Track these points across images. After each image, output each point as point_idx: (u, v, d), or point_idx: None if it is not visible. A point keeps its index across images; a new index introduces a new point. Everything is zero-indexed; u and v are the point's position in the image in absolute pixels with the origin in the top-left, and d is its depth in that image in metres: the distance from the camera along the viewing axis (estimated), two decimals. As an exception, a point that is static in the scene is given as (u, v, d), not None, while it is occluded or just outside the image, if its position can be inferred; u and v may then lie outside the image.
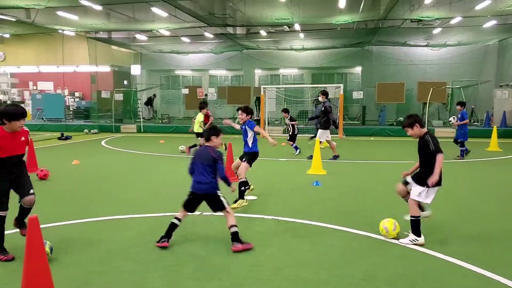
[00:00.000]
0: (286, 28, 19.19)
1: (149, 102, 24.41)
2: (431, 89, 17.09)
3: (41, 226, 3.01)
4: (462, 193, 7.10)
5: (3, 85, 26.28)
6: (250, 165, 6.33)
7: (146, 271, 3.88)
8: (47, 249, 3.99)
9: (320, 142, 10.29)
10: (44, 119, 22.35)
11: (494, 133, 13.14)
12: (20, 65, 25.20)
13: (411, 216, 4.59)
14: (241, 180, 6.14)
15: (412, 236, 4.58)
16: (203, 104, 11.48)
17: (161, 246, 4.42)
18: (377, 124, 19.74)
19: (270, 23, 18.26)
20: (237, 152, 7.26)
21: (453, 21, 16.84)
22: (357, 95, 19.16)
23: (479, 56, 21.76)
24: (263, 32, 20.33)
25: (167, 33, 20.88)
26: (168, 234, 4.49)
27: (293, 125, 12.29)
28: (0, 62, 25.20)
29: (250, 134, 6.31)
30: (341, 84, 18.17)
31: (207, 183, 4.43)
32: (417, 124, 4.60)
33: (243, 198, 6.19)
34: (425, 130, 4.66)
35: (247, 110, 6.44)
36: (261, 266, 4.02)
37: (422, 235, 4.56)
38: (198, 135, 10.90)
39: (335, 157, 10.80)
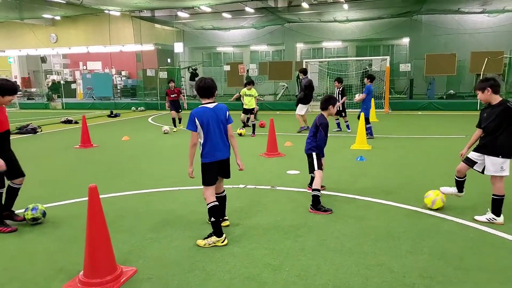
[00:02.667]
0: (329, -1, 18.56)
1: (193, 77, 24.62)
2: (486, 59, 15.99)
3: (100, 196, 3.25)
4: None
5: (56, 65, 27.73)
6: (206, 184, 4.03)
7: (196, 238, 4.07)
8: (39, 214, 4.49)
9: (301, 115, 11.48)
10: (94, 98, 23.45)
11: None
12: (71, 46, 26.38)
13: (495, 195, 4.27)
14: (208, 206, 3.98)
15: (490, 215, 4.33)
16: (251, 80, 11.54)
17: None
18: (425, 98, 18.88)
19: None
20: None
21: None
22: (404, 67, 18.34)
23: (541, 22, 19.95)
24: (305, 4, 19.81)
25: (209, 10, 20.92)
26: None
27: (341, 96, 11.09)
28: (52, 44, 26.49)
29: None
30: (387, 57, 17.45)
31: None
32: (488, 89, 4.22)
33: (218, 236, 3.93)
34: (498, 97, 4.25)
35: None
36: (305, 236, 4.10)
37: (501, 215, 4.31)
38: (247, 111, 11.11)
39: (302, 128, 11.47)
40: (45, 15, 21.96)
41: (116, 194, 5.72)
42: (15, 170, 4.41)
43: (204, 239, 3.95)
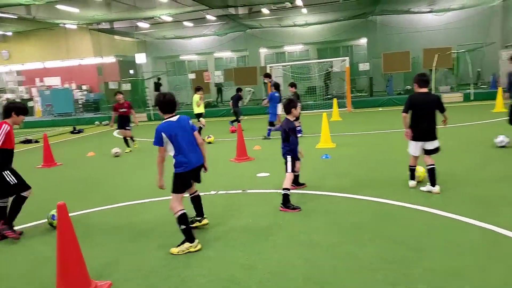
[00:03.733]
0: (288, 4, 19.02)
1: (157, 87, 24.34)
2: (436, 55, 16.90)
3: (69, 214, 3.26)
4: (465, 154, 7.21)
5: (10, 83, 26.62)
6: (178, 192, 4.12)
7: (170, 246, 4.13)
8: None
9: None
10: (55, 115, 22.74)
11: (499, 94, 13.05)
12: (25, 62, 25.48)
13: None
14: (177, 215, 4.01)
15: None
16: (199, 87, 11.83)
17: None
18: (385, 95, 19.67)
19: (272, 0, 18.11)
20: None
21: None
22: (363, 66, 19.04)
23: (484, 18, 21.29)
24: (265, 10, 20.20)
25: (169, 19, 20.90)
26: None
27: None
28: (5, 61, 25.50)
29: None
30: (347, 57, 18.04)
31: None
32: (415, 84, 5.24)
33: (191, 242, 4.01)
34: (423, 89, 5.22)
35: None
36: (277, 235, 4.26)
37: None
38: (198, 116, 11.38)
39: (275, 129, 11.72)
40: (-4, 32, 21.18)
41: (86, 211, 5.66)
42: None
43: (177, 247, 4.00)
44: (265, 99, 12.87)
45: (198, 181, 4.35)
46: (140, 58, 22.21)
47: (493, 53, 19.11)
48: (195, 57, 27.46)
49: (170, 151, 4.07)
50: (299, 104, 10.66)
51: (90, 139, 14.66)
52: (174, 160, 4.07)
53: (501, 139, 7.47)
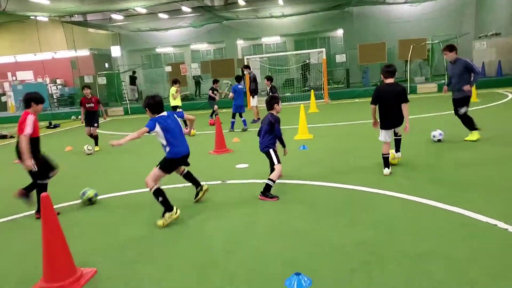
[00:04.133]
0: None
1: (133, 80, 24.02)
2: (411, 46, 17.31)
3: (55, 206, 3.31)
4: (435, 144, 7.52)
5: (-19, 78, 25.77)
6: (164, 171, 4.66)
7: (151, 232, 4.22)
8: (91, 194, 5.45)
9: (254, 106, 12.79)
10: (29, 109, 22.13)
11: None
12: (-5, 57, 24.68)
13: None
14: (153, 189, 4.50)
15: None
16: (176, 79, 12.11)
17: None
18: (361, 86, 20.04)
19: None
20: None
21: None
22: (340, 58, 19.30)
23: (458, 9, 21.93)
24: (241, 1, 20.15)
25: (144, 11, 20.58)
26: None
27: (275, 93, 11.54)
28: (-26, 55, 24.61)
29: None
30: (323, 49, 18.25)
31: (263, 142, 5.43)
32: (382, 75, 5.70)
33: (170, 210, 4.46)
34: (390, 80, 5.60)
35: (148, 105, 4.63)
36: (256, 223, 4.40)
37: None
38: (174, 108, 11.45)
39: (254, 120, 12.64)
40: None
41: (67, 204, 5.66)
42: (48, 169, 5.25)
43: (161, 219, 4.43)
44: (228, 93, 13.93)
45: (187, 165, 4.92)
46: (116, 51, 21.85)
47: (467, 44, 19.72)
48: (171, 49, 27.17)
49: (162, 140, 4.55)
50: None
51: (67, 134, 14.42)
52: (168, 149, 4.56)
53: (434, 133, 7.56)
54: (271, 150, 5.39)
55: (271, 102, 5.48)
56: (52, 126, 16.59)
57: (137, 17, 22.24)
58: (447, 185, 5.09)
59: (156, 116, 4.55)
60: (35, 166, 4.90)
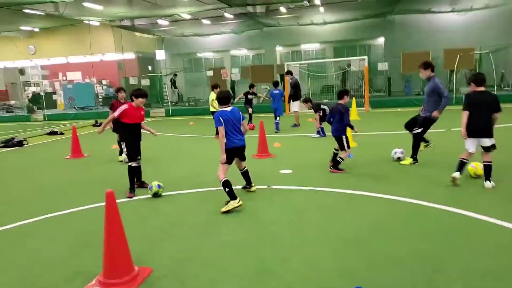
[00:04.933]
0: (306, 3, 19.06)
1: (173, 83, 24.72)
2: (458, 55, 16.76)
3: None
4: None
5: (34, 77, 27.32)
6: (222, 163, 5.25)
7: (201, 235, 4.33)
8: (155, 188, 5.84)
9: (294, 111, 13.09)
10: (76, 108, 23.26)
11: (526, 97, 12.89)
12: (49, 57, 26.07)
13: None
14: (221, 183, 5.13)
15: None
16: (216, 84, 11.99)
17: None
18: (403, 95, 19.57)
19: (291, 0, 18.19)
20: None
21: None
22: (381, 66, 18.96)
23: (508, 19, 20.97)
24: (283, 9, 20.28)
25: (188, 17, 21.14)
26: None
27: (318, 111, 10.91)
28: (31, 56, 26.14)
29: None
30: (365, 57, 18.03)
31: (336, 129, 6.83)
32: (472, 83, 5.57)
33: (235, 199, 5.06)
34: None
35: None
36: (306, 229, 4.41)
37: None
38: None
39: (295, 125, 12.95)
40: (23, 27, 21.71)
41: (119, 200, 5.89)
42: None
43: (224, 206, 5.03)
44: (266, 98, 15.28)
45: (243, 158, 5.53)
46: (160, 55, 22.53)
47: (517, 54, 18.87)
48: (211, 54, 27.70)
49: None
50: (319, 113, 10.85)
51: (112, 133, 14.96)
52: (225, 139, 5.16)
53: (395, 151, 7.31)
54: (343, 136, 6.70)
55: (341, 93, 6.87)
56: (98, 124, 17.30)
57: (181, 22, 22.87)
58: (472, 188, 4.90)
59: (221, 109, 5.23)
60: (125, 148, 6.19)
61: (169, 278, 3.52)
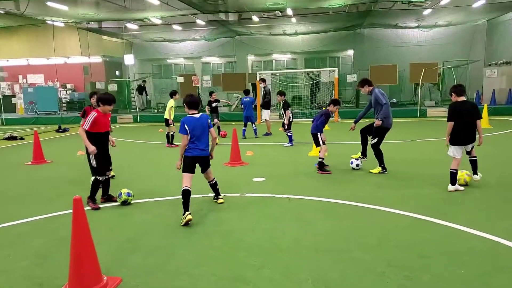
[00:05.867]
0: (278, 13, 19.30)
1: (141, 89, 24.09)
2: (423, 70, 17.42)
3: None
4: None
5: (-8, 79, 25.93)
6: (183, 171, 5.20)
7: (173, 245, 4.15)
8: (125, 196, 5.57)
9: (266, 120, 13.20)
10: (38, 113, 22.23)
11: (485, 111, 13.52)
12: (8, 58, 24.86)
13: None
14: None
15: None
16: (174, 91, 12.04)
17: None
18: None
19: (264, 9, 18.32)
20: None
21: (442, 2, 17.13)
22: (350, 78, 19.42)
23: (469, 36, 22.12)
24: (255, 18, 20.38)
25: (159, 22, 20.81)
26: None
27: (288, 109, 11.12)
28: (-11, 56, 24.84)
29: None
30: (336, 68, 18.40)
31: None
32: (453, 94, 5.96)
33: (185, 211, 4.86)
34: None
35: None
36: (280, 238, 4.33)
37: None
38: (167, 122, 11.32)
39: (267, 134, 12.98)
40: (-20, 26, 20.60)
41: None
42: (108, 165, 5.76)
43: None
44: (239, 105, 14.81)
45: (204, 169, 5.25)
46: (129, 59, 22.03)
47: (477, 70, 19.84)
48: (182, 60, 27.39)
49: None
50: (289, 112, 10.98)
51: (77, 139, 14.35)
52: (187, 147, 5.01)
53: (351, 161, 7.61)
54: (319, 134, 7.40)
55: (332, 102, 7.82)
56: (62, 130, 16.60)
57: (152, 27, 22.45)
58: (484, 211, 5.03)
59: (189, 114, 5.05)
60: (94, 161, 5.48)
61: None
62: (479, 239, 4.11)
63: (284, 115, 11.02)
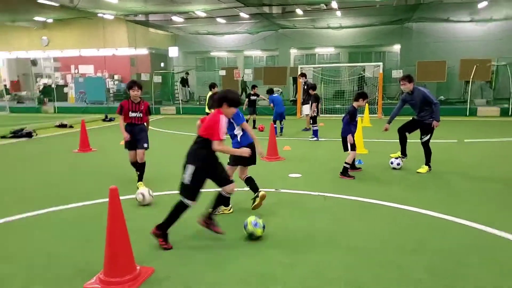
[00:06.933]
0: (323, 6, 18.90)
1: (184, 81, 24.57)
2: (475, 66, 16.44)
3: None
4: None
5: (47, 69, 27.48)
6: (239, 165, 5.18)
7: (207, 237, 4.19)
8: (251, 226, 4.08)
9: (306, 115, 12.59)
10: (87, 102, 23.34)
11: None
12: (62, 49, 26.20)
13: None
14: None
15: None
16: (213, 83, 12.05)
17: None
18: (416, 104, 19.24)
19: (308, 2, 18.03)
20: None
21: (500, -6, 16.05)
22: (396, 74, 18.65)
23: (527, 31, 20.59)
24: (299, 11, 20.13)
25: (203, 15, 21.09)
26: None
27: (311, 102, 11.18)
28: (43, 47, 26.30)
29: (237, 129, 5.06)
30: (380, 63, 17.79)
31: None
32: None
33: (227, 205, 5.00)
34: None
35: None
36: (314, 237, 4.25)
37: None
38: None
39: (306, 129, 12.73)
40: (37, 18, 21.82)
41: (126, 197, 5.78)
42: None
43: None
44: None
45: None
46: (173, 52, 22.50)
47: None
48: (225, 54, 27.62)
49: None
50: (315, 106, 10.95)
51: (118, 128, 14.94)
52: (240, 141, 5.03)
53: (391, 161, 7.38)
54: (348, 136, 6.64)
55: (357, 95, 6.93)
56: (108, 119, 17.31)
57: (196, 20, 22.82)
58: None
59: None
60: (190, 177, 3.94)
61: (172, 279, 3.40)
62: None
63: (311, 107, 11.20)
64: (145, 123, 6.32)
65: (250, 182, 5.19)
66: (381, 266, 3.53)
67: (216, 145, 3.92)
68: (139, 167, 6.26)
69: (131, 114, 6.11)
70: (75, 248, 4.08)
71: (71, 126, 14.81)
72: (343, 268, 3.52)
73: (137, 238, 4.15)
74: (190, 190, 3.97)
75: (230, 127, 4.95)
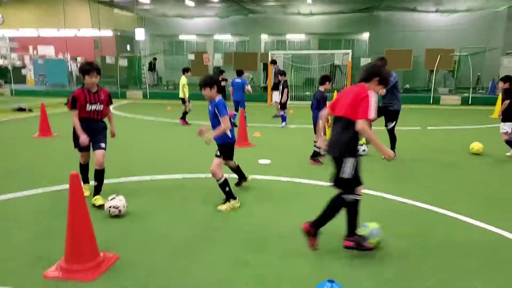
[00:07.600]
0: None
1: (152, 66, 23.94)
2: (439, 56, 16.92)
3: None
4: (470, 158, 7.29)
5: (2, 49, 25.87)
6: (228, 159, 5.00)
7: (176, 225, 4.09)
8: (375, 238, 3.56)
9: (275, 102, 12.60)
10: (47, 85, 22.25)
11: (499, 101, 13.03)
12: (19, 28, 24.71)
13: None
14: (220, 182, 4.64)
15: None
16: (187, 68, 11.71)
17: None
18: (383, 91, 19.64)
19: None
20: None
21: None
22: (365, 61, 18.90)
23: (488, 23, 21.38)
24: (269, -4, 19.92)
25: (172, -4, 20.46)
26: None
27: (283, 90, 11.10)
28: (-1, 26, 24.76)
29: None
30: (349, 51, 17.96)
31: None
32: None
33: (234, 198, 4.70)
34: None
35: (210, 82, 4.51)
36: (283, 223, 4.24)
37: None
38: (183, 101, 11.12)
39: (276, 116, 12.42)
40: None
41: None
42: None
43: (224, 204, 4.59)
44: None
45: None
46: (140, 34, 21.72)
47: (494, 58, 19.23)
48: (194, 38, 27.03)
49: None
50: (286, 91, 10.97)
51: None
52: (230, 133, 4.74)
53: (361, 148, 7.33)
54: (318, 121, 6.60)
55: (322, 78, 6.85)
56: (23, 109, 16.38)
57: (164, 1, 22.09)
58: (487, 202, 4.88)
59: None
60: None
61: (137, 267, 3.30)
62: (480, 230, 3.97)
63: (282, 93, 11.15)
64: (106, 118, 4.96)
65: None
66: (351, 253, 3.56)
67: (361, 124, 3.29)
68: (97, 175, 4.76)
69: (89, 107, 4.64)
70: (35, 237, 3.88)
71: (30, 110, 14.07)
72: (311, 253, 3.54)
73: (103, 227, 4.00)
74: (352, 183, 3.49)
75: (216, 119, 4.58)
